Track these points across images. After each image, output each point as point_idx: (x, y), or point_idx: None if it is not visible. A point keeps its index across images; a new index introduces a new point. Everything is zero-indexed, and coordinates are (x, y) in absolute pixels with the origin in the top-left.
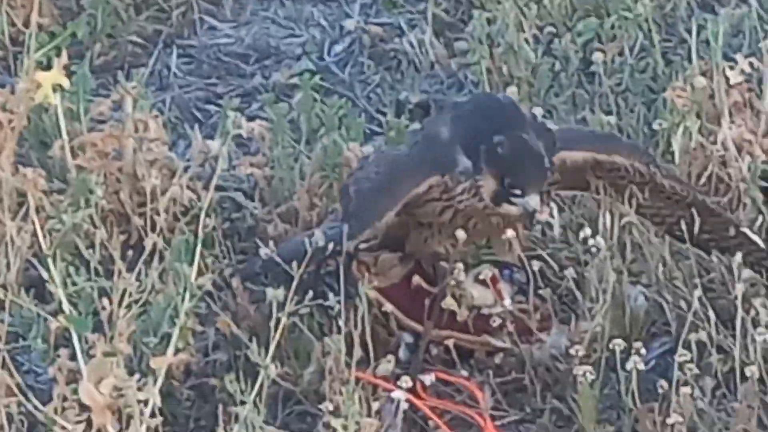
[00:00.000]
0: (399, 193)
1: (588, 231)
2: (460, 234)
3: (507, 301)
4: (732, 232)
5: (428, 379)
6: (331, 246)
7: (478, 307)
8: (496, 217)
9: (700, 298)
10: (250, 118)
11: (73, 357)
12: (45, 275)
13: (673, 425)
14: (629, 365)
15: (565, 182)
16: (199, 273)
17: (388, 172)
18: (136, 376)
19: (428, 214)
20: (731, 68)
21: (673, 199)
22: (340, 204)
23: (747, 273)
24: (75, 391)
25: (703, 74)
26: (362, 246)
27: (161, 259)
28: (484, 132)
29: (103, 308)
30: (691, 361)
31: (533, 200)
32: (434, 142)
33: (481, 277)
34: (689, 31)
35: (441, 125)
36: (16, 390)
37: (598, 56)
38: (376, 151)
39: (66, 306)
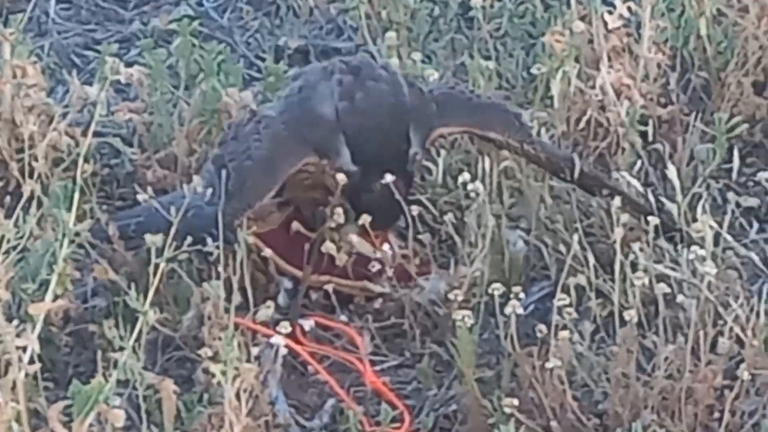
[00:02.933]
0: (279, 173)
1: (467, 176)
2: (340, 177)
3: (386, 247)
4: (618, 202)
5: (307, 324)
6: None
7: (358, 252)
8: None
9: (579, 242)
10: (129, 64)
11: None
12: None
13: (552, 369)
14: (508, 310)
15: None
16: (78, 219)
17: (269, 148)
18: (15, 322)
19: (296, 184)
20: (610, 13)
21: (544, 163)
22: (215, 172)
23: (626, 217)
24: None
25: (582, 19)
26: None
27: (39, 205)
28: (370, 130)
29: None
30: (570, 305)
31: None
32: (316, 120)
33: (360, 223)
34: None
35: (323, 101)
36: None
37: (477, 1)
38: (251, 116)
39: None
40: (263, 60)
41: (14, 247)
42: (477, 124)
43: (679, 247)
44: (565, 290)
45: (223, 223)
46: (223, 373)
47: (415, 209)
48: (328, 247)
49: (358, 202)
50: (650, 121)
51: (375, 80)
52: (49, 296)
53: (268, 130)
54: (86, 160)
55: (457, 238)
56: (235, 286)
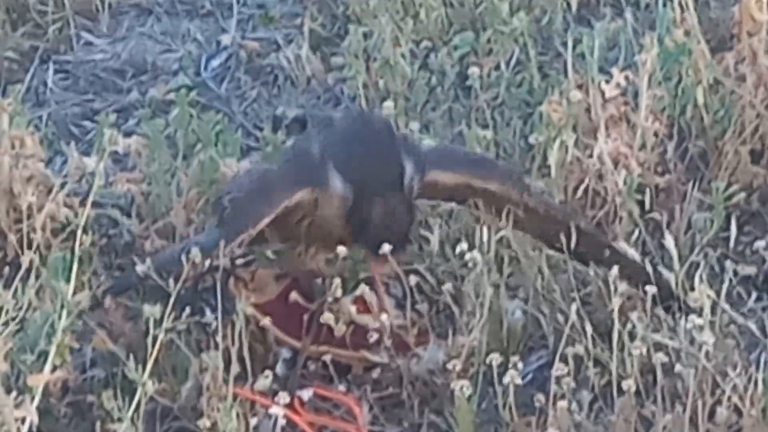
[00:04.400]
0: (274, 202)
1: (465, 245)
2: (341, 249)
3: (384, 317)
4: (607, 253)
5: (306, 394)
6: (207, 263)
7: (356, 322)
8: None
9: (577, 312)
10: (127, 134)
11: None
12: None
13: None
14: (506, 379)
15: (440, 197)
16: (76, 290)
17: (261, 181)
18: (13, 393)
19: (288, 224)
20: (607, 82)
21: (545, 220)
22: (214, 216)
23: (623, 287)
24: None
25: (579, 88)
26: (239, 255)
27: (38, 276)
28: (358, 156)
29: None
30: (568, 374)
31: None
32: (305, 158)
33: (357, 293)
34: (565, 45)
35: (312, 142)
36: None
37: (474, 70)
38: (248, 168)
39: None
40: (261, 130)
41: (13, 318)
42: (476, 175)
43: (677, 316)
44: (563, 360)
45: (220, 248)
46: None
47: (413, 279)
48: (327, 317)
49: (361, 232)
50: (647, 190)
51: (360, 115)
52: (47, 367)
53: (260, 170)
54: (85, 231)
55: (455, 308)
56: (234, 356)
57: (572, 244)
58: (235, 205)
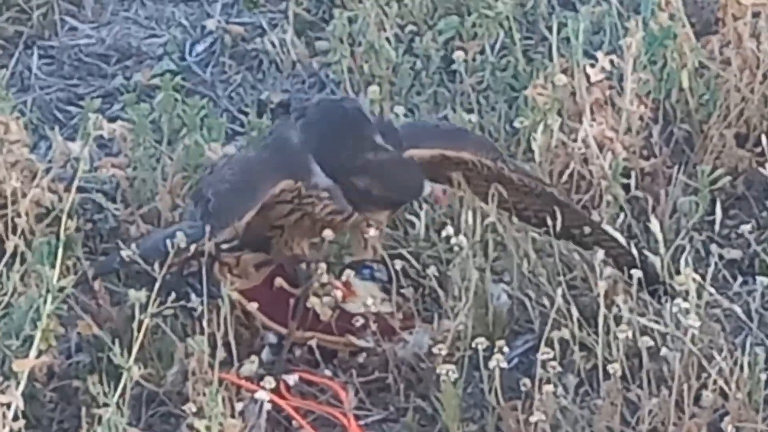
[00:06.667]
0: (258, 193)
1: (450, 229)
2: (327, 233)
3: (369, 301)
4: (587, 230)
5: (292, 379)
6: (192, 248)
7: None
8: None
9: (563, 296)
10: (112, 119)
11: None
12: None
13: (536, 423)
14: (492, 363)
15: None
16: (61, 275)
17: (243, 173)
18: None
19: (278, 215)
20: (592, 66)
21: (521, 191)
22: (195, 206)
23: (609, 270)
24: None
25: (564, 72)
26: (224, 247)
27: (23, 261)
28: (335, 145)
29: None
30: (554, 358)
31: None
32: (285, 147)
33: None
34: (550, 29)
35: (290, 130)
36: None
37: (459, 55)
38: (227, 155)
39: None
40: (246, 114)
41: None
42: (449, 146)
43: (663, 300)
44: (549, 344)
45: (206, 242)
46: (208, 428)
47: (399, 263)
48: (313, 302)
49: (370, 202)
50: (633, 174)
51: (332, 102)
52: (33, 352)
53: (241, 161)
54: (70, 216)
55: (440, 292)
56: (220, 341)
57: (558, 222)
58: (218, 198)
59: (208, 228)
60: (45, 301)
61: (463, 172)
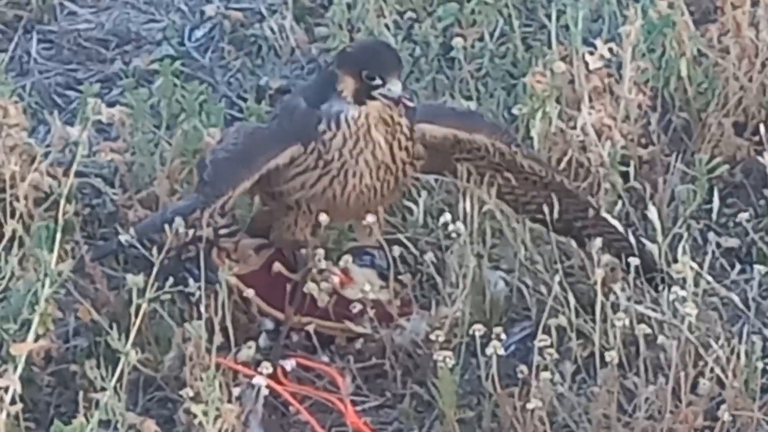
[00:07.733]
0: (255, 164)
1: (448, 216)
2: (323, 218)
3: (367, 287)
4: (590, 214)
5: (289, 364)
6: (190, 231)
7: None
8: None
9: (560, 283)
10: (110, 104)
11: None
12: None
13: (533, 410)
14: (489, 350)
15: (431, 164)
16: (60, 259)
17: (246, 142)
18: None
19: (296, 188)
20: (591, 54)
21: (530, 180)
22: (197, 175)
23: (606, 258)
24: None
25: (563, 59)
26: (222, 232)
27: (21, 245)
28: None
29: None
30: (551, 346)
31: (395, 86)
32: (292, 113)
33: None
34: (549, 17)
35: (297, 97)
36: None
37: (458, 42)
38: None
39: None
40: (245, 100)
41: None
42: (462, 126)
43: (660, 287)
44: (546, 331)
45: (199, 210)
46: (205, 413)
47: (396, 249)
48: (310, 288)
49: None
50: (631, 162)
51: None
52: (30, 336)
53: (247, 131)
54: (68, 200)
55: (438, 279)
56: (217, 326)
57: (555, 214)
58: (215, 166)
59: (199, 199)
60: (43, 286)
61: (474, 159)
